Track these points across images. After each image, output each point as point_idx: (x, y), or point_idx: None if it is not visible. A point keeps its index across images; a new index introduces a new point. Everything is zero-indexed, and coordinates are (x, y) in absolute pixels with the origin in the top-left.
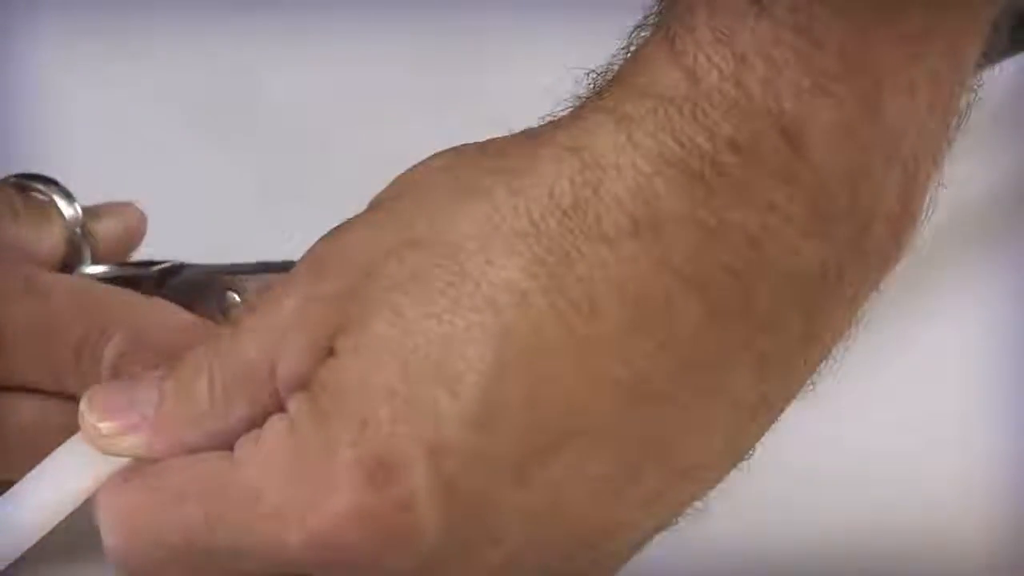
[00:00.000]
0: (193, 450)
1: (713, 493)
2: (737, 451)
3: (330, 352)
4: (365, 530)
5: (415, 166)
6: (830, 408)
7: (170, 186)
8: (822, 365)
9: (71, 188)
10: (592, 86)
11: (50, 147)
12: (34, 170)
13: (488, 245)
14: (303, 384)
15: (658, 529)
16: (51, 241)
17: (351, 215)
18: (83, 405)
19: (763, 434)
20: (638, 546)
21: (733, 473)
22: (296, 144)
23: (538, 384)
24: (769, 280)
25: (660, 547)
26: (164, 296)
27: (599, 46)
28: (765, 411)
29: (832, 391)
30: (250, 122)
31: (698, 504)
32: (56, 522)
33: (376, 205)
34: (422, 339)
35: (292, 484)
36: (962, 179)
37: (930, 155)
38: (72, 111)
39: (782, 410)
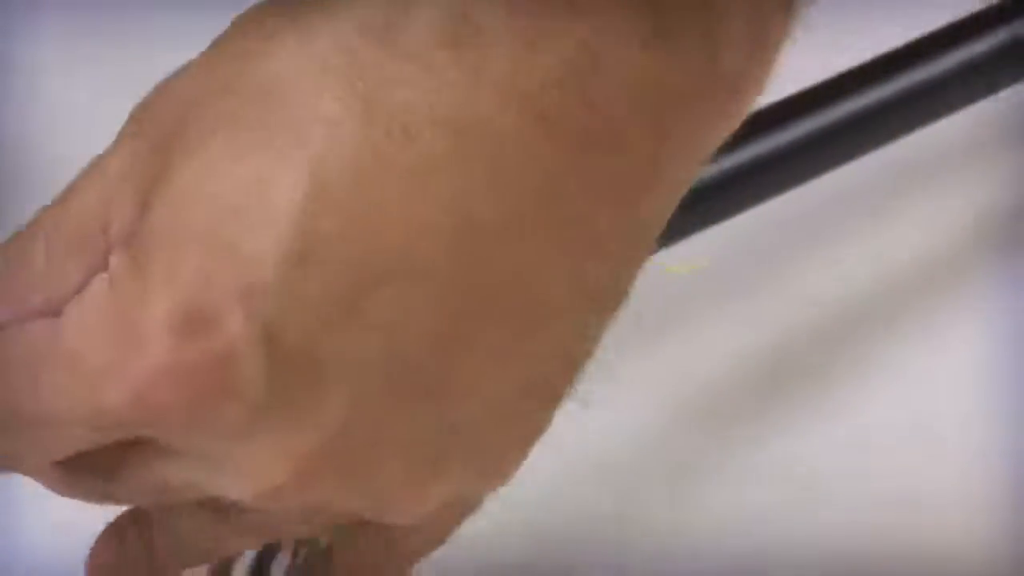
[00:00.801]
0: (35, 316)
1: (716, 493)
2: (592, 291)
3: (147, 205)
4: (183, 386)
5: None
6: (830, 408)
7: None
8: (676, 196)
9: None
10: None
11: (50, 147)
12: (33, 169)
13: (298, 78)
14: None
15: (527, 390)
16: None
17: None
18: None
19: (627, 272)
20: (504, 416)
21: (732, 473)
22: None
23: (355, 218)
24: (606, 94)
25: (658, 545)
26: None
27: None
28: (619, 244)
29: (832, 391)
30: None
31: (590, 367)
32: None
33: (200, 55)
34: (231, 181)
35: (109, 343)
36: (962, 180)
37: None
38: (72, 111)
39: (646, 246)
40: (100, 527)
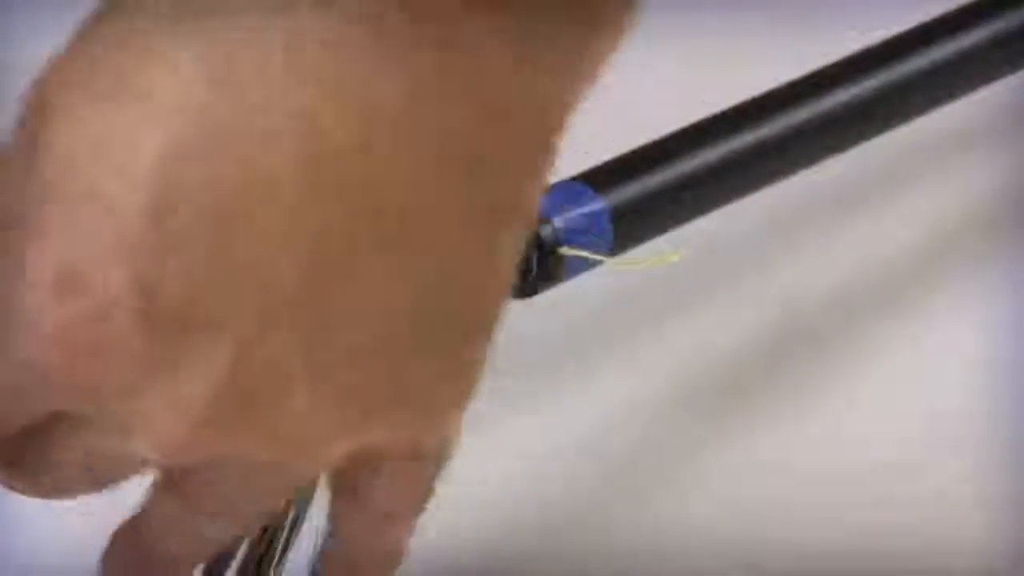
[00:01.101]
0: None
1: (710, 490)
2: (483, 208)
3: (26, 180)
4: (67, 349)
5: None
6: (830, 408)
7: None
8: (559, 116)
9: None
10: None
11: None
12: None
13: (148, 45)
14: None
15: (432, 318)
16: None
17: None
18: None
19: (521, 188)
20: (410, 346)
21: (727, 469)
22: None
23: (214, 163)
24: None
25: (658, 545)
26: None
27: None
28: (502, 158)
29: (832, 391)
30: None
31: (505, 300)
32: None
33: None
34: (91, 136)
35: None
36: (963, 179)
37: None
38: None
39: (540, 160)
40: (99, 527)
